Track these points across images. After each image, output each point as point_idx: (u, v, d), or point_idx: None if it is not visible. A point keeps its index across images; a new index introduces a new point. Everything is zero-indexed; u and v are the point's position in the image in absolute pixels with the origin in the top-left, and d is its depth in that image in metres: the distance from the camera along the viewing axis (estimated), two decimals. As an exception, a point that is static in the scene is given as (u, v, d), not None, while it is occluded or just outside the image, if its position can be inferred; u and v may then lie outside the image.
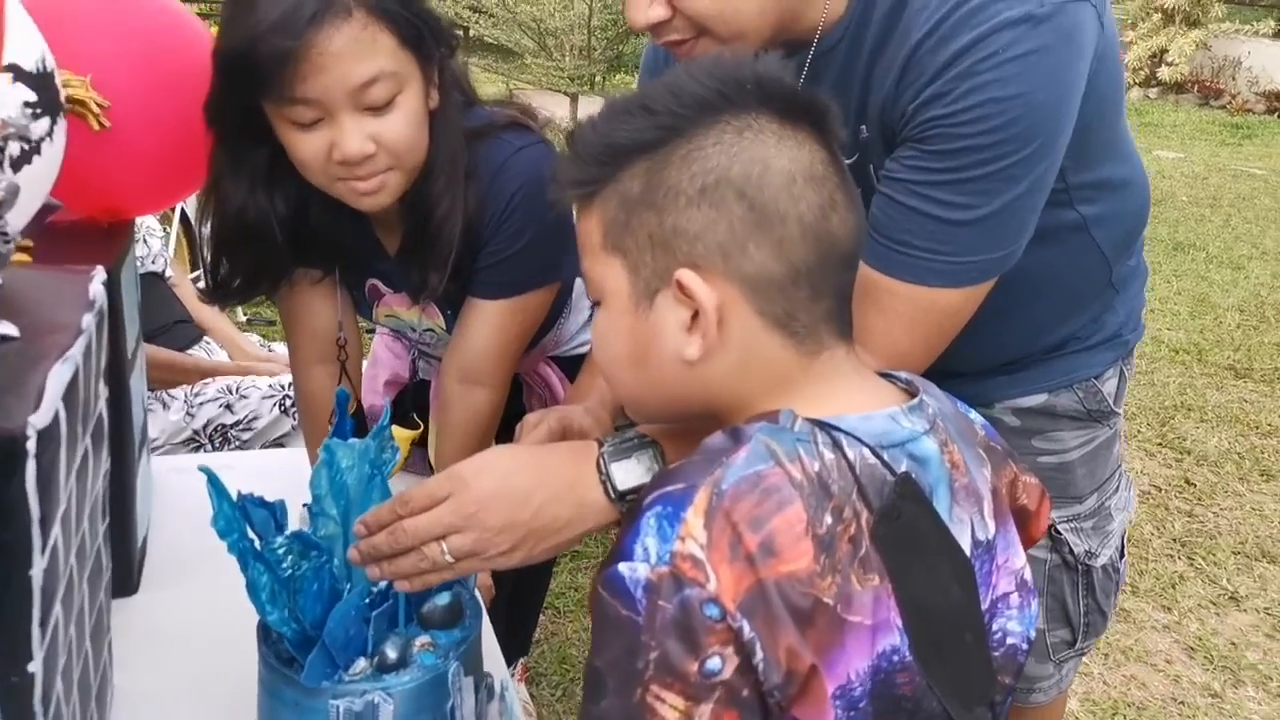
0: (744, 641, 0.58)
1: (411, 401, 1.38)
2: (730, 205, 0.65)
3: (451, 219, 1.07)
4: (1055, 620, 1.22)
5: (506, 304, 1.15)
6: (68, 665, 0.73)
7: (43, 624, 0.64)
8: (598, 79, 6.81)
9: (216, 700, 0.98)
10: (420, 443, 1.35)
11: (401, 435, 1.24)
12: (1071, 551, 1.20)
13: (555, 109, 6.44)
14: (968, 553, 0.69)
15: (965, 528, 0.70)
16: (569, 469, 0.79)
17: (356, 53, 0.95)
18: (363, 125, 0.98)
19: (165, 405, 1.79)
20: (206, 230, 1.14)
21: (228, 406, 1.80)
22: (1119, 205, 1.10)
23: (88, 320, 0.76)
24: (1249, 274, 4.75)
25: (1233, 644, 2.17)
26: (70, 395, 0.68)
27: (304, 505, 1.24)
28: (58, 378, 0.66)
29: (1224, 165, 7.35)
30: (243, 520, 0.82)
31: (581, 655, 2.04)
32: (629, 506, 0.78)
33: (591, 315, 1.40)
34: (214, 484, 0.81)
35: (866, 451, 0.65)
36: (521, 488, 0.77)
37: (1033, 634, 0.75)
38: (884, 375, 0.74)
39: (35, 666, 0.63)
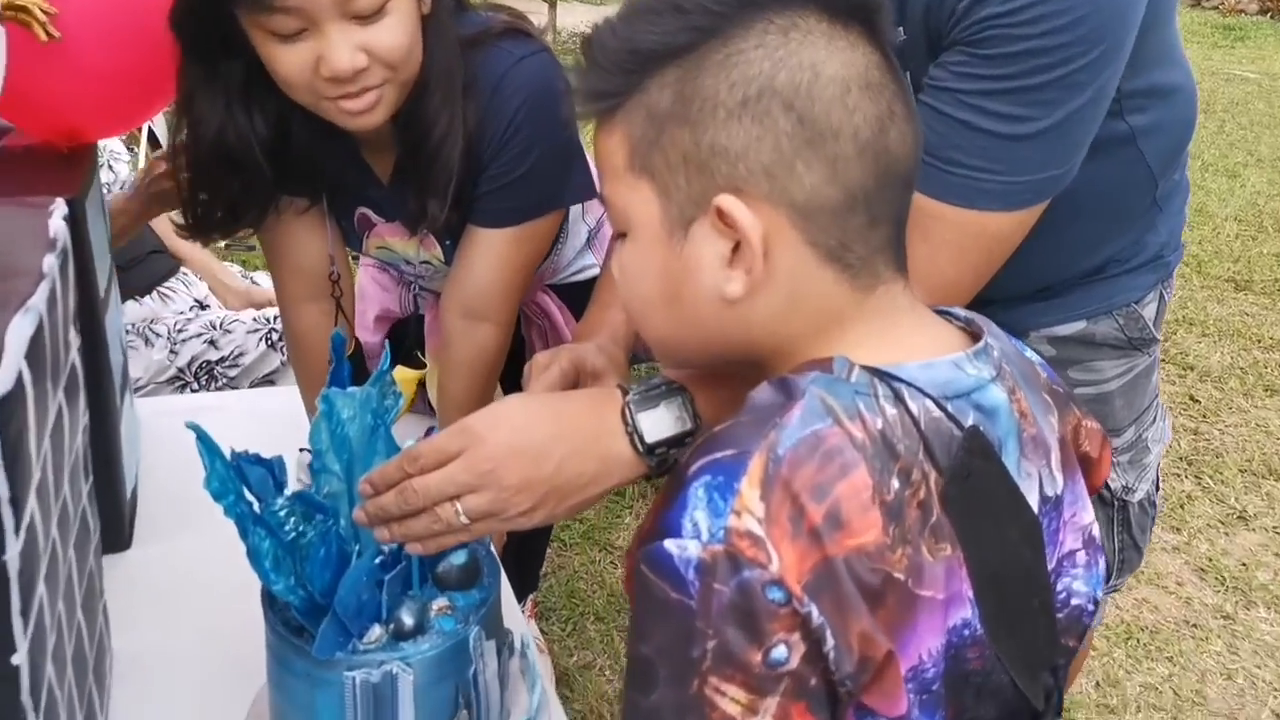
0: (812, 628, 0.51)
1: (413, 338, 1.29)
2: (777, 119, 0.56)
3: (450, 139, 0.97)
4: (1090, 557, 1.18)
5: (511, 232, 1.06)
6: (58, 645, 0.67)
7: (24, 612, 0.57)
8: (578, -14, 6.55)
9: (224, 655, 0.93)
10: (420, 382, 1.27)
11: (405, 377, 1.17)
12: (1108, 487, 1.15)
13: (533, 17, 6.17)
14: (1035, 510, 0.63)
15: (1034, 483, 0.63)
16: (590, 420, 0.72)
17: None
18: (351, 35, 0.88)
19: (148, 342, 1.70)
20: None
21: (212, 343, 1.71)
22: (1168, 115, 1.02)
23: (50, 262, 0.68)
24: (1245, 182, 4.68)
25: (1243, 564, 2.16)
26: (35, 350, 0.60)
27: (301, 450, 1.18)
28: (18, 332, 0.58)
29: (1217, 69, 7.20)
30: (238, 480, 0.75)
31: (589, 589, 2.01)
32: (657, 461, 0.72)
33: (589, 239, 1.31)
34: (204, 441, 0.73)
35: (930, 404, 0.58)
36: (540, 442, 0.69)
37: (1099, 594, 0.69)
38: (940, 312, 0.67)
39: (20, 658, 0.56)
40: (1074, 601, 0.67)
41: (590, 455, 0.70)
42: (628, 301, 0.68)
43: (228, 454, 0.75)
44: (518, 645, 0.89)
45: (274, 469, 0.79)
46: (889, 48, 0.61)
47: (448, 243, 1.13)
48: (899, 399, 0.57)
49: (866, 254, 0.60)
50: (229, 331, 1.73)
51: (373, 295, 1.34)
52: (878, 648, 0.53)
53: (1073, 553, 0.67)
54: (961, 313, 0.68)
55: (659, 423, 0.71)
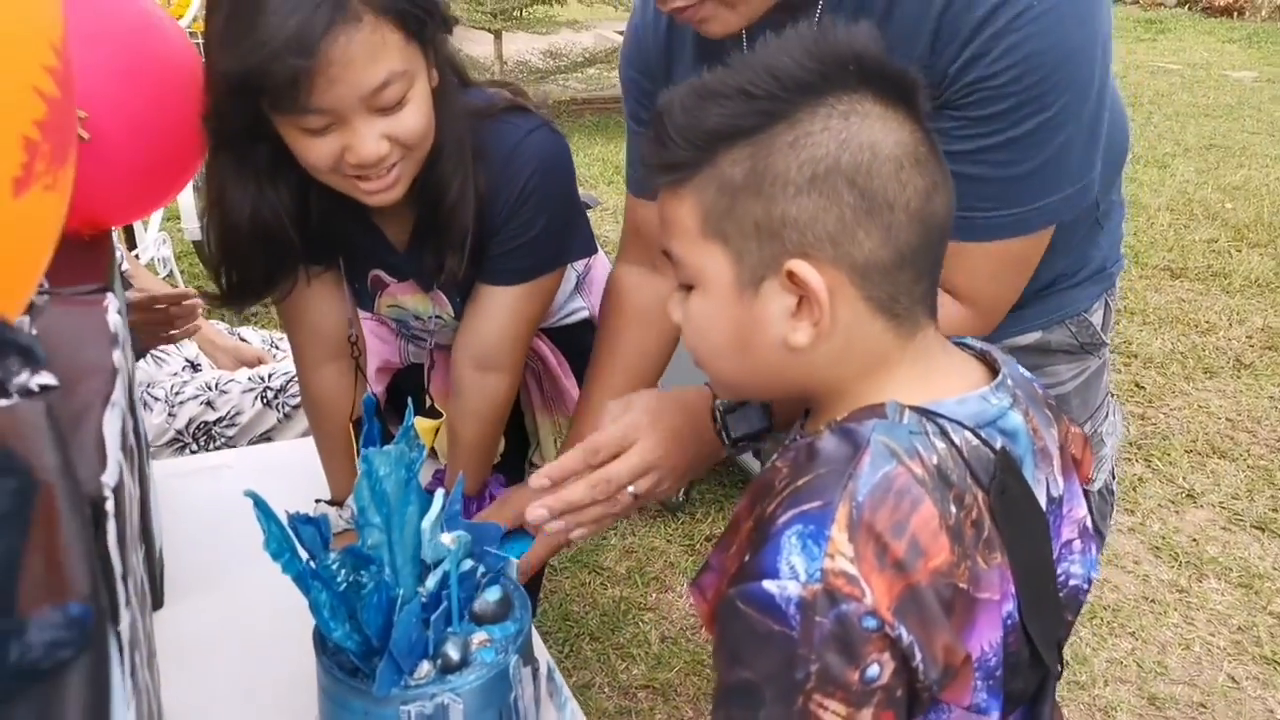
0: (902, 647, 0.60)
1: (407, 387, 1.36)
2: (841, 194, 0.65)
3: (464, 199, 1.05)
4: (1056, 546, 1.28)
5: (521, 289, 1.14)
6: (140, 706, 0.73)
7: (132, 674, 0.63)
8: (517, 12, 6.60)
9: (267, 703, 0.98)
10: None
11: (424, 427, 1.24)
12: (1069, 480, 1.26)
13: (477, 47, 6.23)
14: (1044, 510, 0.73)
15: (1042, 488, 0.74)
16: (697, 413, 0.87)
17: (368, 57, 0.92)
18: (376, 127, 0.96)
19: (146, 406, 1.73)
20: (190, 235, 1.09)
21: (209, 404, 1.75)
22: (1105, 141, 1.12)
23: (118, 357, 0.74)
24: (1174, 172, 4.88)
25: (1194, 540, 2.29)
26: (123, 440, 0.67)
27: (316, 501, 1.24)
28: (112, 427, 0.65)
29: (1141, 62, 7.48)
30: (293, 540, 0.82)
31: (582, 610, 2.08)
32: (737, 451, 0.89)
33: (577, 283, 1.40)
34: (261, 507, 0.80)
35: (969, 434, 0.67)
36: (679, 429, 0.85)
37: (1094, 575, 0.80)
38: (956, 343, 0.77)
39: (128, 721, 0.63)
40: (1071, 583, 0.78)
41: (703, 440, 0.86)
42: (695, 347, 0.76)
43: (282, 518, 0.82)
44: (544, 670, 0.97)
45: (321, 526, 0.86)
46: (926, 121, 0.70)
47: (458, 300, 1.20)
48: (944, 434, 0.67)
49: (910, 304, 0.69)
50: (225, 392, 1.77)
51: (374, 348, 1.40)
52: (957, 655, 0.63)
53: (1069, 541, 0.78)
54: (976, 344, 0.78)
55: (741, 421, 0.87)
